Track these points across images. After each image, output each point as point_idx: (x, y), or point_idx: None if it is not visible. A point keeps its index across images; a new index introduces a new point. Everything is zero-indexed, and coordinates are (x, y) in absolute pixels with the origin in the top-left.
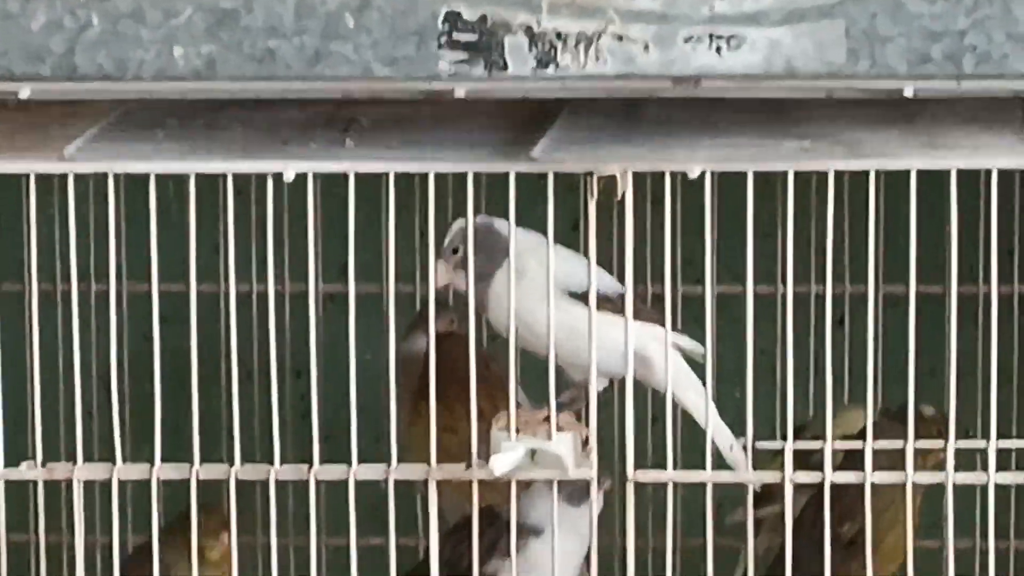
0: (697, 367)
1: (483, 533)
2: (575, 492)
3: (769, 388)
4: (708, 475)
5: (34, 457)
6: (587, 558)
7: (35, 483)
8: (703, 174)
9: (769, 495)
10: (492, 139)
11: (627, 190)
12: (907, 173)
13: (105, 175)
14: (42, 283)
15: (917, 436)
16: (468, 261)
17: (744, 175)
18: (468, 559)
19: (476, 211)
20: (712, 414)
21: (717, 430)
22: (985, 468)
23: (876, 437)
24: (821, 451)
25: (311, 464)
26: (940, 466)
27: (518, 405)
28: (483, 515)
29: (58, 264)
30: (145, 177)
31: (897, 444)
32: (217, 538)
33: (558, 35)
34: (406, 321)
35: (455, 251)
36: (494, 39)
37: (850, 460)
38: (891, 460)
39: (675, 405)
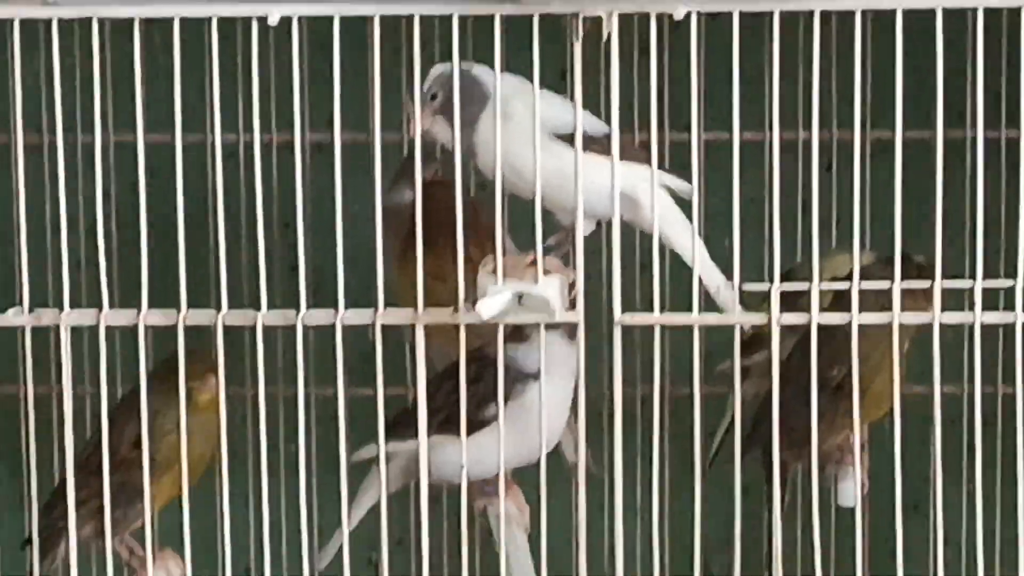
0: (685, 209)
1: (479, 379)
2: (566, 335)
3: (757, 235)
4: (695, 317)
5: (21, 304)
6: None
7: (23, 330)
8: (688, 15)
9: (758, 342)
10: None
11: (613, 31)
12: (894, 16)
13: (89, 20)
14: (28, 134)
15: (904, 279)
16: (454, 106)
17: (730, 17)
18: (465, 404)
19: (462, 56)
20: (700, 253)
21: (705, 270)
22: (972, 309)
23: (863, 276)
24: (809, 295)
25: (299, 310)
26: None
27: (505, 250)
28: (475, 360)
29: (44, 114)
30: (130, 25)
31: (884, 285)
32: (205, 381)
33: None
34: (393, 169)
35: (433, 97)
36: None
37: (838, 304)
38: (880, 304)
39: (662, 249)
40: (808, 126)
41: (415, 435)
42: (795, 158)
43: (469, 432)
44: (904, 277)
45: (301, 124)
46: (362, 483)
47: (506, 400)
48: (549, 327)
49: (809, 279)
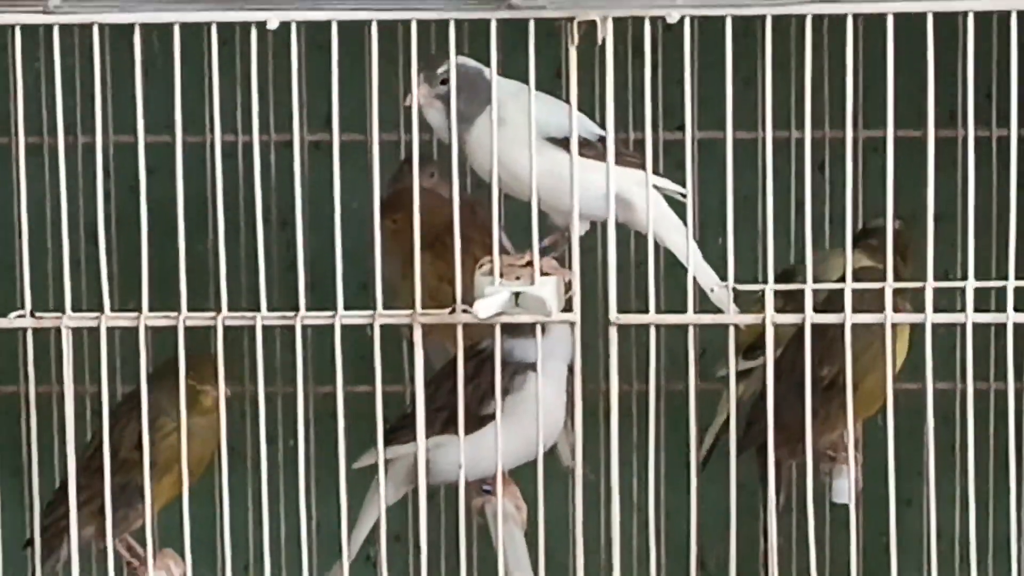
0: (678, 209)
1: (478, 375)
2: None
3: (751, 234)
4: (690, 317)
5: (23, 306)
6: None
7: (24, 332)
8: (682, 19)
9: (757, 345)
10: None
11: (607, 36)
12: (885, 17)
13: (90, 26)
14: (29, 136)
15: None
16: (451, 105)
17: (723, 20)
18: (466, 402)
19: (455, 57)
20: (694, 254)
21: (700, 270)
22: (964, 309)
23: (856, 277)
24: (803, 297)
25: (297, 311)
26: (917, 302)
27: (502, 250)
28: (472, 357)
29: (44, 116)
30: (130, 28)
31: (877, 285)
32: (211, 384)
33: None
34: (390, 169)
35: (443, 82)
36: None
37: (831, 303)
38: (871, 303)
39: (658, 249)
40: (801, 126)
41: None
42: (788, 157)
43: (474, 428)
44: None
45: (300, 125)
46: (366, 496)
47: (506, 393)
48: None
49: (806, 278)
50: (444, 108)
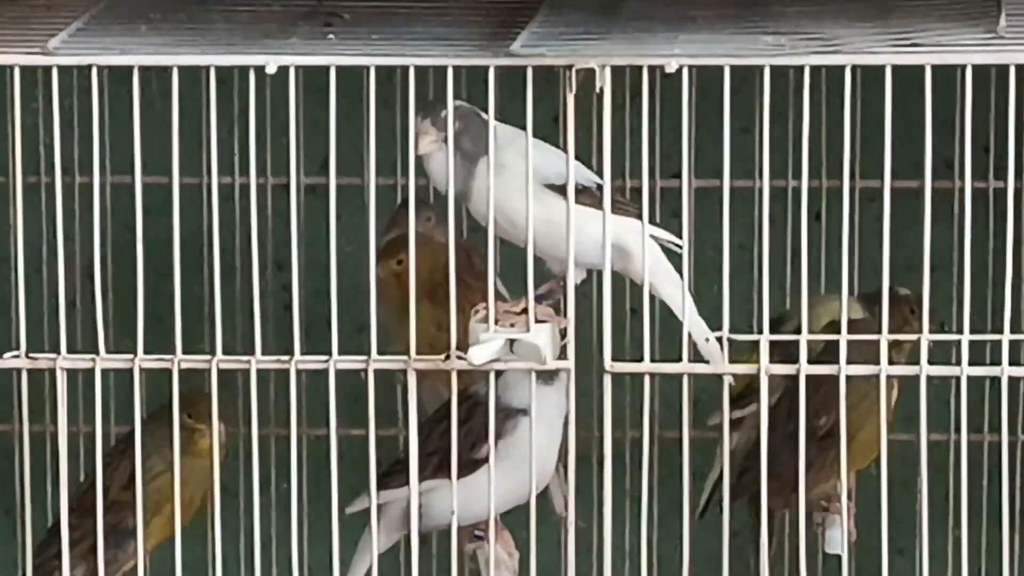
0: (674, 259)
1: (471, 419)
2: (554, 376)
3: (746, 282)
4: (684, 367)
5: (18, 347)
6: (563, 447)
7: (19, 372)
8: (680, 69)
9: (748, 392)
10: (472, 33)
11: (606, 84)
12: (883, 68)
13: (89, 68)
14: (26, 175)
15: (891, 316)
16: (448, 150)
17: (721, 70)
18: (459, 446)
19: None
20: (689, 306)
21: (693, 322)
22: (959, 362)
23: (853, 329)
24: (798, 343)
25: (292, 354)
26: (915, 356)
27: (498, 297)
28: (465, 401)
29: (42, 156)
30: (128, 70)
31: (872, 337)
32: (208, 423)
33: None
34: (387, 213)
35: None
36: None
37: (826, 352)
38: (866, 352)
39: (652, 297)
40: (797, 175)
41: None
42: (784, 206)
43: (465, 473)
44: (892, 311)
45: (297, 168)
46: (359, 543)
47: (498, 438)
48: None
49: (799, 325)
50: (447, 147)
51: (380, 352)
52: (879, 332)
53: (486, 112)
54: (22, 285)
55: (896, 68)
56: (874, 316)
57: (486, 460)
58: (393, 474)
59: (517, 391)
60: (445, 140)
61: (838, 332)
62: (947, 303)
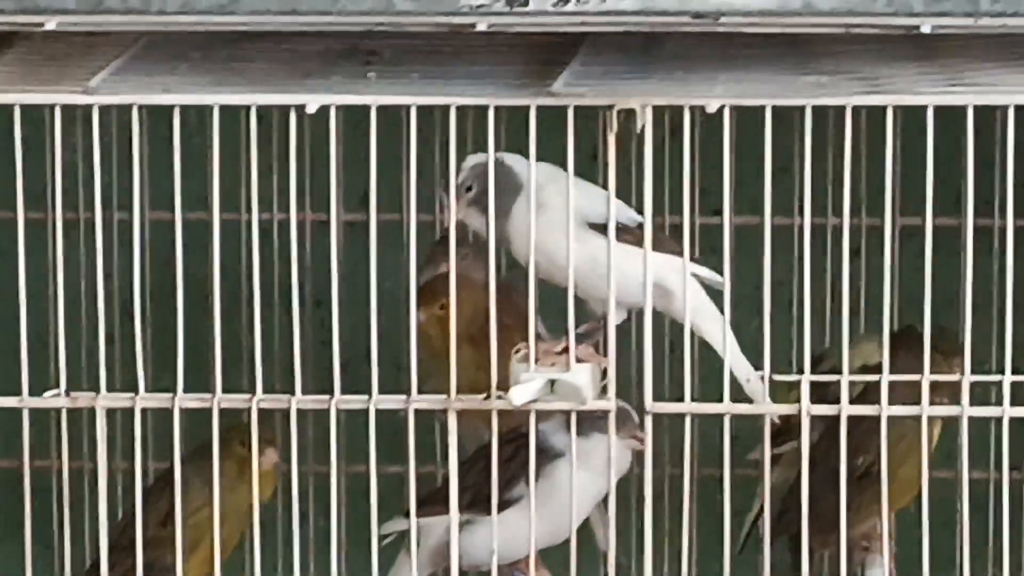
0: (715, 296)
1: (511, 459)
2: (598, 422)
3: (785, 319)
4: (726, 407)
5: (57, 385)
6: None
7: (59, 411)
8: (721, 108)
9: (787, 430)
10: (513, 72)
11: (647, 124)
12: (923, 106)
13: (129, 106)
14: (65, 212)
15: (917, 357)
16: (489, 196)
17: (762, 109)
18: (490, 484)
19: (496, 143)
20: (731, 344)
21: (735, 361)
22: (1000, 402)
23: (893, 368)
24: (837, 383)
25: (332, 394)
26: (955, 396)
27: (538, 336)
28: (506, 440)
29: (81, 192)
30: (168, 107)
31: (914, 378)
32: (264, 453)
33: None
34: (425, 249)
35: (468, 189)
36: None
37: (867, 393)
38: (907, 392)
39: (692, 335)
40: (837, 212)
41: (444, 511)
42: (823, 243)
43: (497, 512)
44: (918, 354)
45: (337, 205)
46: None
47: (536, 479)
48: (584, 418)
49: (838, 364)
50: (478, 209)
51: (419, 388)
52: (909, 372)
53: (525, 149)
54: (62, 323)
55: (936, 108)
56: (897, 357)
57: (517, 500)
58: (424, 503)
59: (557, 432)
60: (471, 204)
61: (868, 375)
62: (987, 342)
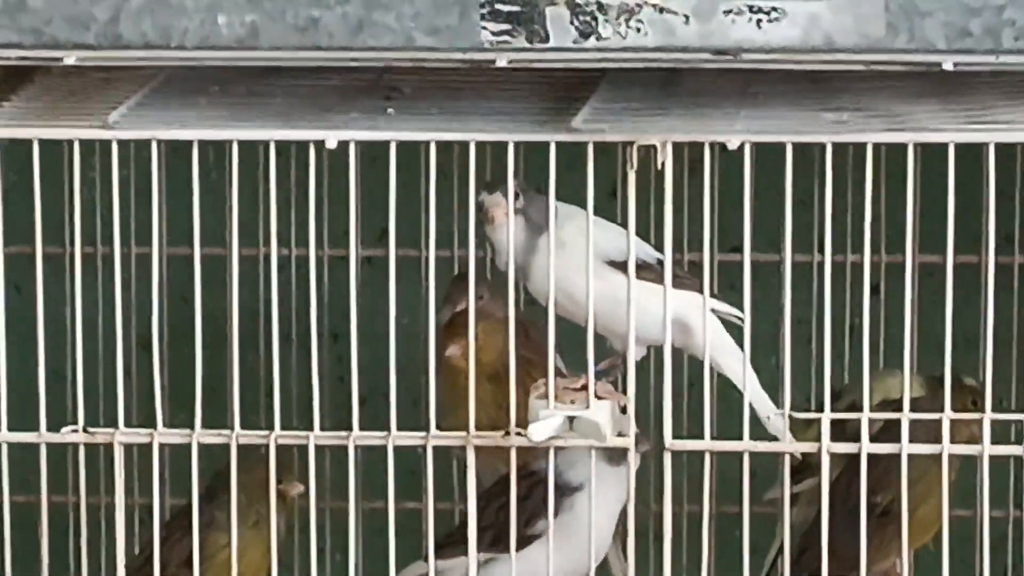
0: (734, 332)
1: (528, 495)
2: (614, 454)
3: (805, 356)
4: (745, 444)
5: (75, 420)
6: (622, 523)
7: (76, 447)
8: (742, 145)
9: (806, 468)
10: (533, 108)
11: (667, 160)
12: (944, 144)
13: (148, 141)
14: (83, 246)
15: (955, 405)
16: (508, 230)
17: (782, 145)
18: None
19: (515, 179)
20: (751, 381)
21: (756, 398)
22: (1020, 441)
23: (914, 407)
24: (857, 420)
25: (350, 430)
26: (975, 438)
27: (557, 373)
28: (522, 476)
29: (99, 227)
30: (186, 141)
31: (934, 416)
32: (292, 484)
33: (599, 6)
34: (443, 285)
35: (516, 196)
36: (536, 10)
37: (887, 431)
38: (927, 431)
39: (712, 372)
40: (858, 249)
41: (465, 553)
42: (843, 280)
43: (518, 548)
44: (955, 400)
45: (355, 241)
46: None
47: (554, 515)
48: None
49: (858, 400)
50: (524, 220)
51: (437, 424)
52: (937, 411)
53: (543, 185)
54: (80, 359)
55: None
56: (935, 397)
57: (539, 536)
58: (445, 546)
59: (573, 467)
60: (517, 211)
61: (890, 410)
62: (1007, 379)
